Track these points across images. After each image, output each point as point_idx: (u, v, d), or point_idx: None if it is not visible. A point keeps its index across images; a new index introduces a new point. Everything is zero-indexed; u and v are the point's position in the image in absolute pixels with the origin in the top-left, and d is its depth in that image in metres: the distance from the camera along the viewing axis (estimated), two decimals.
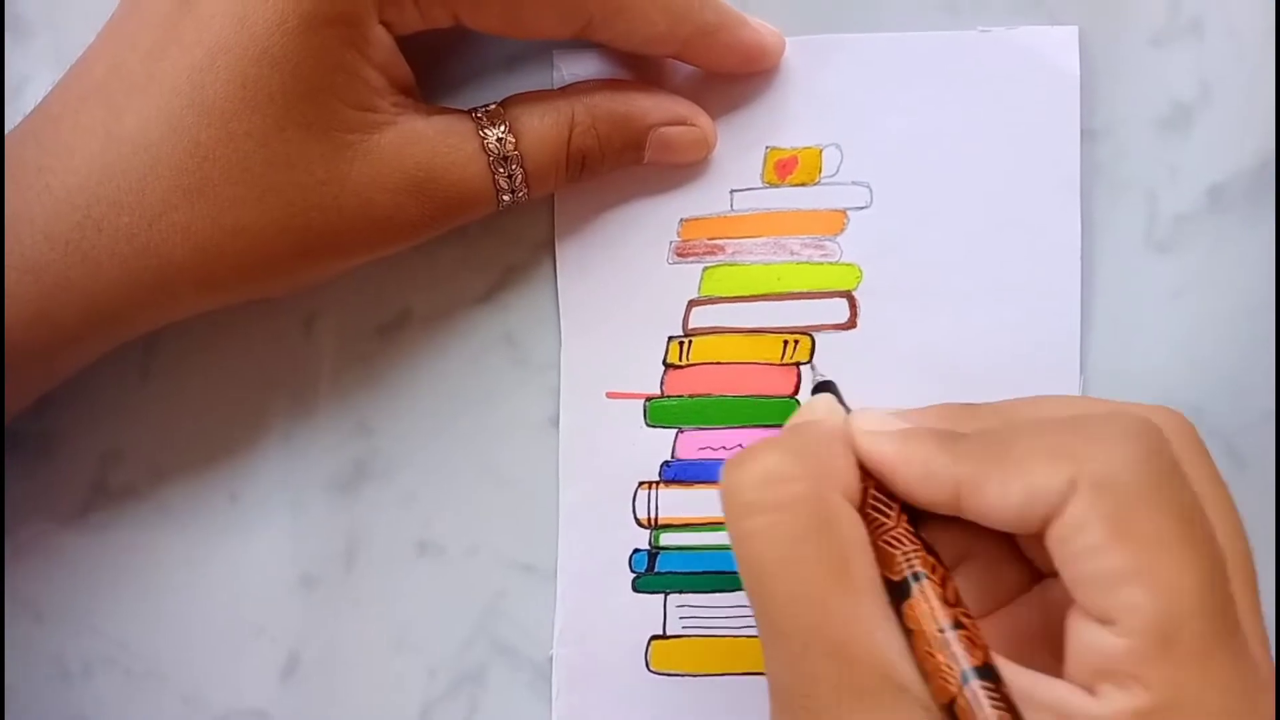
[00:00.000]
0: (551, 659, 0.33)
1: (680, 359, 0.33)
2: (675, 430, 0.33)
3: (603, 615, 0.33)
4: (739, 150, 0.33)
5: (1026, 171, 0.32)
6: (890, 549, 0.24)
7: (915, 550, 0.24)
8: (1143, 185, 0.33)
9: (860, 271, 0.33)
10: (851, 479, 0.24)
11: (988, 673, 0.22)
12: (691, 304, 0.33)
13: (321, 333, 0.34)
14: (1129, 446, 0.22)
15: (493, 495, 0.34)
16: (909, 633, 0.23)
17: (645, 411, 0.33)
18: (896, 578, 0.23)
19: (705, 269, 0.33)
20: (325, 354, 0.34)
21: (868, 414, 0.26)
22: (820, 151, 0.33)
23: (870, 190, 0.33)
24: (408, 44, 0.30)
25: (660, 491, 0.33)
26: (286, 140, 0.28)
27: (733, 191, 0.33)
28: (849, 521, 0.24)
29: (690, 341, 0.33)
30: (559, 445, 0.33)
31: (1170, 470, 0.22)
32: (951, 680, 0.22)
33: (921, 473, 0.24)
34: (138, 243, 0.28)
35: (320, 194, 0.28)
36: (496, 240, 0.33)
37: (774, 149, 0.33)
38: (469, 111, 0.31)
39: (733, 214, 0.33)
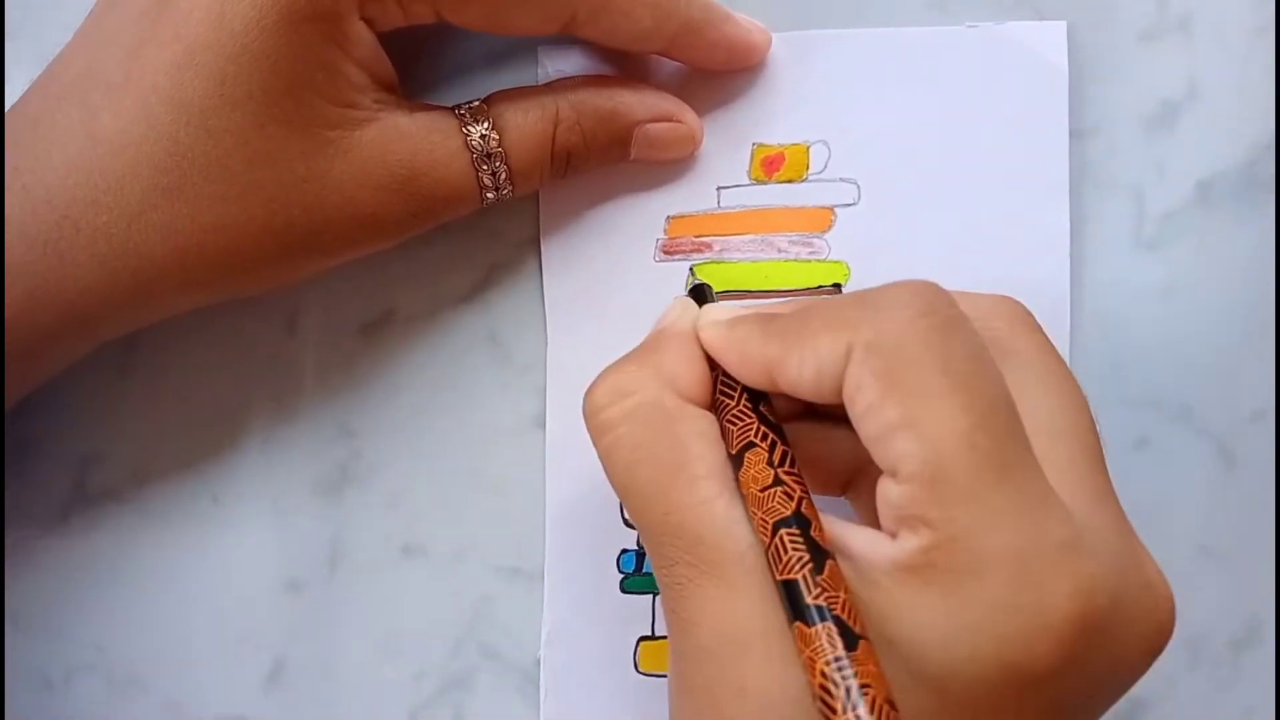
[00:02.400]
0: (539, 662, 0.33)
1: None
2: None
3: (590, 617, 0.33)
4: (726, 147, 0.33)
5: (1015, 168, 0.32)
6: (731, 426, 0.26)
7: (749, 423, 0.25)
8: (1131, 183, 0.32)
9: (848, 269, 0.33)
10: (691, 373, 0.26)
11: (798, 520, 0.23)
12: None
13: (304, 332, 0.33)
14: (898, 310, 0.24)
15: (478, 497, 0.33)
16: (745, 499, 0.25)
17: None
18: (734, 451, 0.25)
19: (692, 267, 0.33)
20: (308, 354, 0.33)
21: (711, 308, 0.28)
22: (808, 148, 0.33)
23: (858, 187, 0.33)
24: (390, 40, 0.29)
25: None
26: (267, 137, 0.27)
27: (719, 189, 0.33)
28: (687, 415, 0.26)
29: None
30: (545, 446, 0.33)
31: (938, 326, 0.23)
32: (767, 530, 0.24)
33: (740, 354, 0.26)
34: (116, 242, 0.27)
35: (302, 191, 0.28)
36: (480, 238, 0.33)
37: (761, 145, 0.33)
38: (452, 108, 0.30)
39: (719, 211, 0.33)
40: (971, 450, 0.22)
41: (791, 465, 0.25)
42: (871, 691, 0.21)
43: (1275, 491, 0.32)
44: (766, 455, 0.25)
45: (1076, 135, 0.32)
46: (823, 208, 0.33)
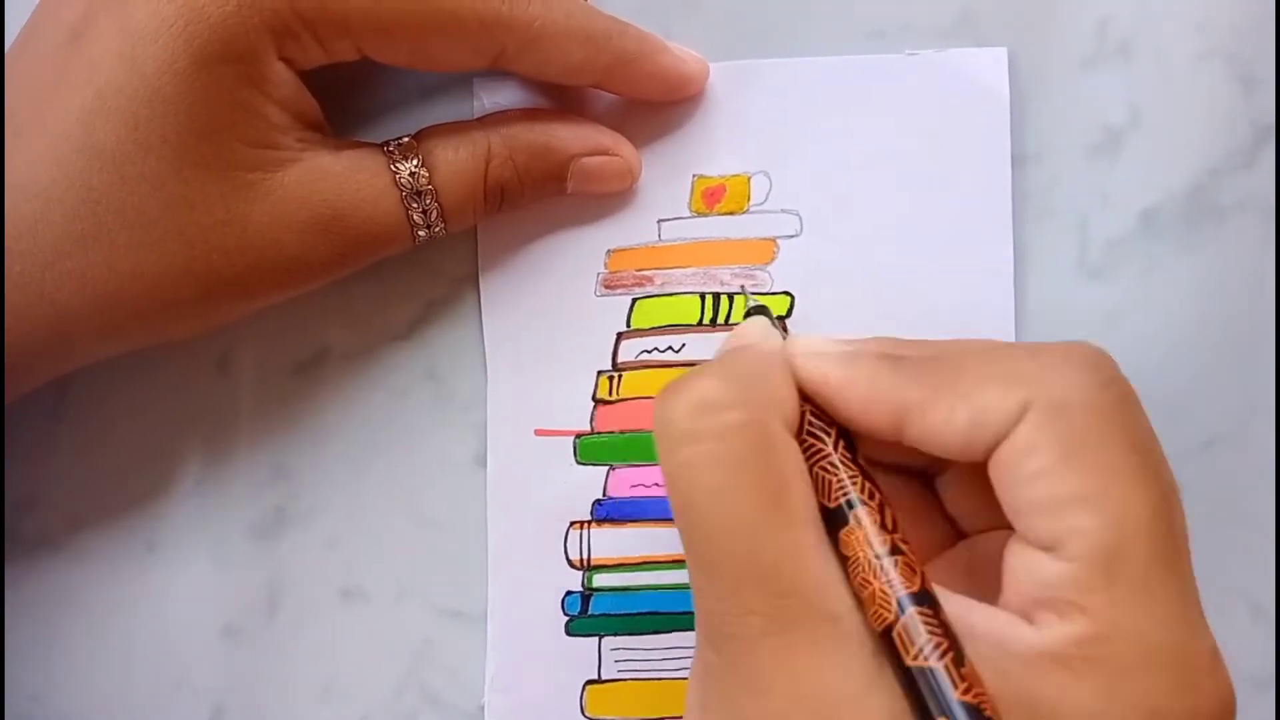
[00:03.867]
0: (483, 707, 0.32)
1: (610, 394, 0.32)
2: (607, 468, 0.32)
3: (535, 660, 0.32)
4: (665, 179, 0.32)
5: (958, 196, 0.32)
6: (827, 475, 0.23)
7: (853, 476, 0.23)
8: (1074, 210, 0.32)
9: (791, 300, 0.32)
10: (789, 404, 0.24)
11: (925, 598, 0.21)
12: (621, 337, 0.32)
13: (236, 372, 0.33)
14: (1085, 373, 0.22)
15: (418, 539, 0.33)
16: (845, 560, 0.22)
17: (575, 449, 0.32)
18: (833, 505, 0.23)
19: (634, 301, 0.32)
20: (241, 394, 0.33)
21: (806, 338, 0.25)
22: (748, 179, 0.32)
23: (800, 218, 0.32)
24: (317, 76, 0.29)
25: (592, 531, 0.32)
26: (184, 181, 0.27)
27: (660, 221, 0.32)
28: (787, 449, 0.23)
29: (620, 376, 0.32)
30: (486, 485, 0.32)
31: (1125, 399, 0.22)
32: (888, 607, 0.21)
33: (865, 395, 0.23)
34: (31, 291, 0.27)
35: (222, 235, 0.27)
36: (416, 274, 0.32)
37: (701, 177, 0.32)
38: (381, 145, 0.30)
39: (661, 244, 0.32)
40: (1151, 539, 0.21)
41: (904, 533, 0.23)
42: None
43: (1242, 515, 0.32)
44: (878, 517, 0.22)
45: (1019, 162, 0.32)
46: (765, 239, 0.32)
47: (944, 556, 0.25)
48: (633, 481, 0.32)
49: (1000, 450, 0.22)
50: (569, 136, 0.31)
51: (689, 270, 0.32)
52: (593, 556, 0.32)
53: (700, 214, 0.32)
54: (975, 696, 0.20)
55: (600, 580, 0.32)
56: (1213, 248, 0.32)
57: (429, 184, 0.29)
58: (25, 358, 0.28)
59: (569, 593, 0.32)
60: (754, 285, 0.28)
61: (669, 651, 0.32)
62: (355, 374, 0.33)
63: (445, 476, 0.33)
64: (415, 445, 0.33)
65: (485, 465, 0.32)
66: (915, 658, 0.21)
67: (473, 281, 0.33)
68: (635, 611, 0.32)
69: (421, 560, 0.33)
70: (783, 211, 0.32)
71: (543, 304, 0.32)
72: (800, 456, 0.23)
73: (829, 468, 0.23)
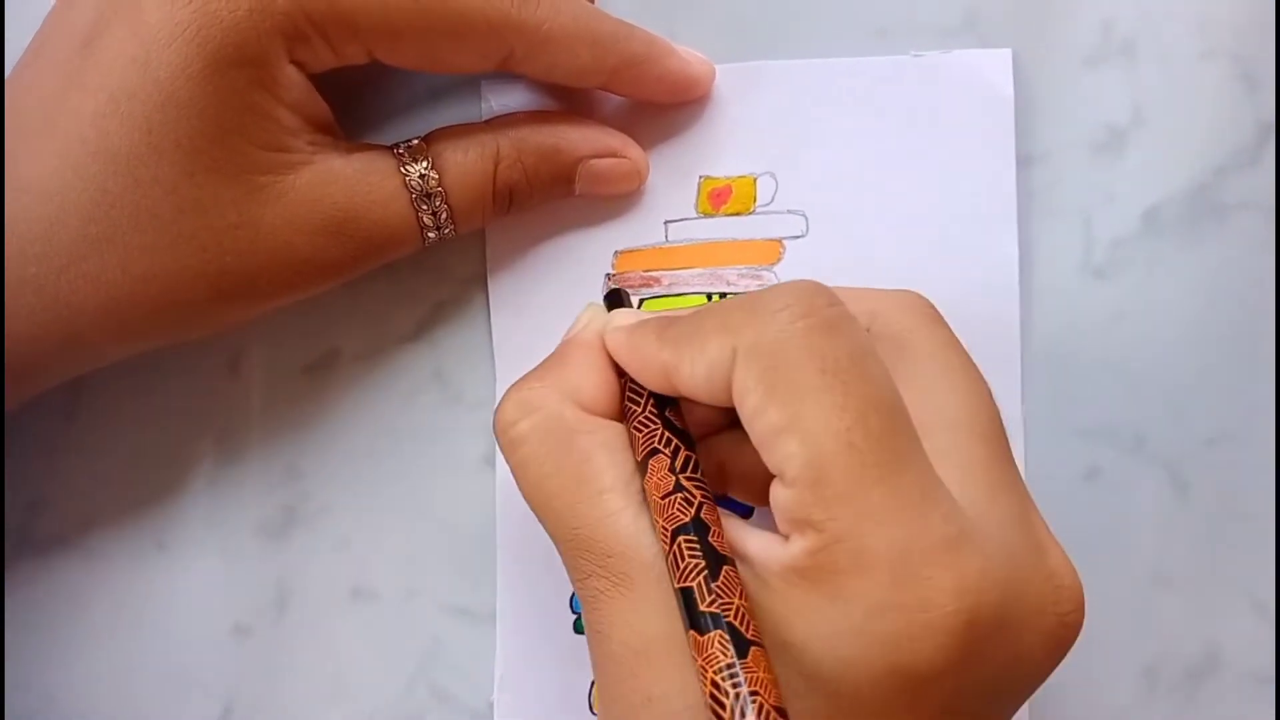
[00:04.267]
0: (492, 705, 0.32)
1: None
2: None
3: (543, 658, 0.32)
4: (672, 180, 0.33)
5: (963, 197, 0.32)
6: (636, 432, 0.26)
7: (654, 430, 0.25)
8: (1079, 210, 0.32)
9: None
10: (594, 383, 0.27)
11: (697, 526, 0.23)
12: None
13: (247, 374, 0.33)
14: (778, 312, 0.24)
15: (427, 538, 0.33)
16: (650, 506, 0.25)
17: None
18: (640, 458, 0.25)
19: (641, 301, 0.33)
20: (252, 395, 0.33)
21: (621, 313, 0.28)
22: (754, 180, 0.33)
23: (806, 219, 0.32)
24: (328, 79, 0.29)
25: None
26: (197, 185, 0.27)
27: (667, 223, 0.33)
28: (589, 427, 0.26)
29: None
30: (495, 485, 0.33)
31: (816, 327, 0.23)
32: (667, 537, 0.24)
33: (640, 359, 0.26)
34: (46, 294, 0.27)
35: (234, 238, 0.27)
36: (425, 276, 0.33)
37: (707, 178, 0.33)
38: (391, 147, 0.30)
39: (667, 245, 0.33)
40: (849, 450, 0.22)
41: (695, 470, 0.25)
42: (760, 698, 0.21)
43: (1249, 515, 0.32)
44: (669, 461, 0.25)
45: (1024, 162, 0.32)
46: (771, 240, 0.32)
47: None
48: None
49: (733, 397, 0.24)
50: (577, 138, 0.31)
51: (696, 271, 0.33)
52: None
53: (707, 215, 0.33)
54: (721, 606, 0.22)
55: None
56: (1216, 246, 0.32)
57: (439, 186, 0.30)
58: (39, 359, 0.28)
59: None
60: (610, 284, 0.31)
61: None
62: (365, 375, 0.33)
63: (454, 476, 0.33)
64: (424, 445, 0.33)
65: (493, 465, 0.33)
66: (679, 579, 0.23)
67: (481, 283, 0.33)
68: None
69: (430, 559, 0.33)
70: (789, 212, 0.32)
71: (551, 305, 0.33)
72: (607, 429, 0.26)
73: (639, 426, 0.26)
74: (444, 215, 0.30)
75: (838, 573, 0.22)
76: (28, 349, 0.27)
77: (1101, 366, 0.32)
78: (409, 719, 0.33)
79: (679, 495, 0.24)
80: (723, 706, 0.21)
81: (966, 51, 0.32)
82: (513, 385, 0.27)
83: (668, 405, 0.26)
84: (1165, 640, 0.32)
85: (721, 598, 0.22)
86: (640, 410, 0.26)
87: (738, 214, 0.33)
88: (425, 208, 0.30)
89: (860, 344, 0.24)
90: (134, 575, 0.33)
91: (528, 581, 0.32)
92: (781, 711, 0.21)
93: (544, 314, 0.33)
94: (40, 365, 0.28)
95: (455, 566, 0.33)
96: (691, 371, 0.25)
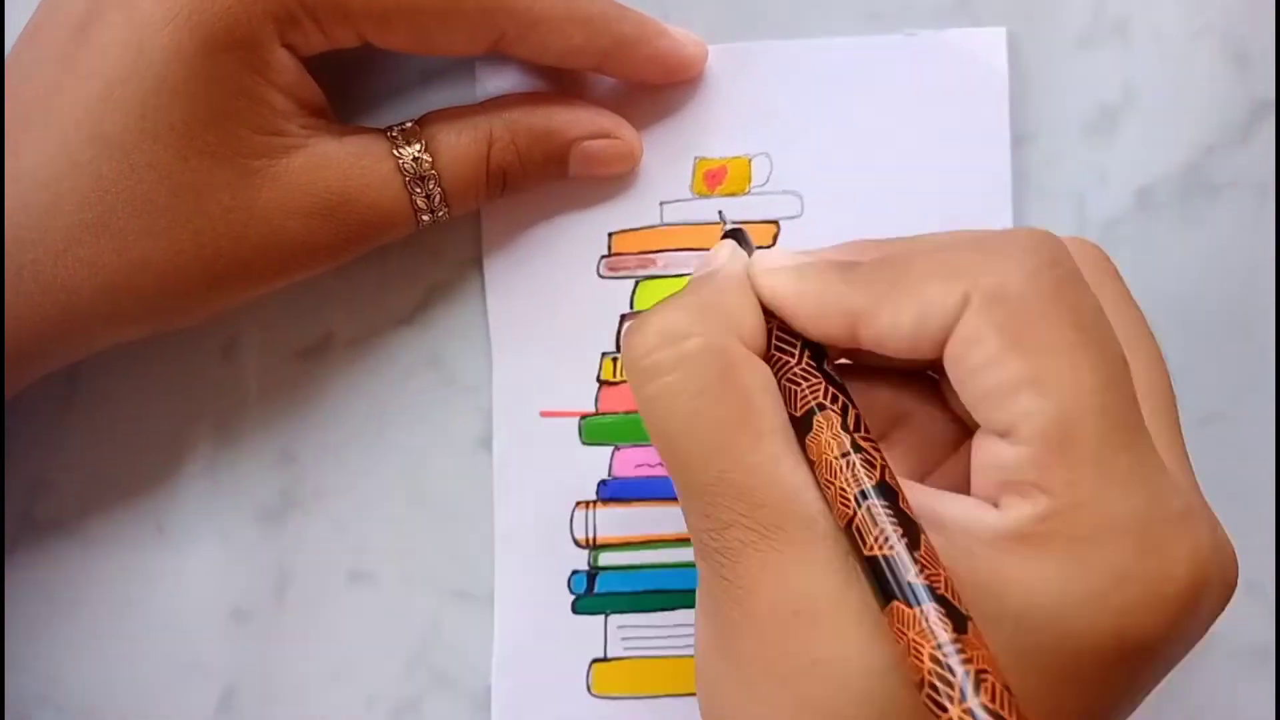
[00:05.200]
0: (490, 686, 0.33)
1: (615, 375, 0.33)
2: (611, 448, 0.33)
3: (542, 639, 0.33)
4: (667, 161, 0.33)
5: (958, 175, 0.32)
6: (793, 386, 0.24)
7: (817, 384, 0.23)
8: (1072, 189, 0.32)
9: None
10: (752, 323, 0.24)
11: (884, 490, 0.22)
12: (624, 318, 0.33)
13: (242, 358, 0.33)
14: (1023, 258, 0.22)
15: (424, 521, 0.33)
16: (813, 465, 0.23)
17: (580, 430, 0.33)
18: (799, 413, 0.23)
19: (637, 283, 0.33)
20: (247, 380, 0.33)
21: (769, 254, 0.26)
22: (749, 161, 0.33)
23: (801, 199, 0.32)
24: (321, 63, 0.29)
25: (598, 511, 0.33)
26: (191, 169, 0.27)
27: (662, 204, 0.33)
28: (749, 367, 0.24)
29: None
30: (493, 467, 0.33)
31: (1066, 278, 0.22)
32: (847, 503, 0.22)
33: (816, 305, 0.24)
34: (43, 280, 0.27)
35: (228, 222, 0.27)
36: (419, 258, 0.33)
37: (702, 159, 0.33)
38: (384, 130, 0.30)
39: (663, 226, 0.33)
40: (1101, 413, 0.21)
41: (867, 431, 0.23)
42: (990, 678, 0.20)
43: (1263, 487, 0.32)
44: (839, 419, 0.23)
45: (1017, 142, 0.32)
46: (766, 221, 0.33)
47: (953, 456, 0.26)
48: (637, 461, 0.33)
49: (949, 345, 0.22)
50: (570, 120, 0.31)
51: (692, 252, 0.33)
52: (598, 536, 0.33)
53: (702, 195, 0.33)
54: (928, 577, 0.21)
55: (606, 559, 0.33)
56: (1209, 225, 0.32)
57: (432, 169, 0.30)
58: (37, 345, 0.28)
59: (575, 572, 0.33)
60: (729, 222, 0.29)
61: (674, 629, 0.32)
62: (360, 358, 0.33)
63: (450, 459, 0.33)
64: (420, 428, 0.33)
65: (489, 448, 0.33)
66: (870, 547, 0.21)
67: (476, 265, 0.33)
68: (641, 590, 0.32)
69: (428, 542, 0.33)
70: (784, 193, 0.32)
71: (546, 287, 0.33)
72: (765, 371, 0.24)
73: (794, 379, 0.24)
74: (438, 198, 0.30)
75: (1076, 540, 0.21)
76: (25, 334, 0.28)
77: None
78: (408, 702, 0.33)
79: (858, 456, 0.22)
80: (950, 686, 0.20)
81: (961, 30, 0.32)
82: (650, 311, 0.24)
83: (823, 357, 0.24)
84: None
85: (927, 568, 0.21)
86: (794, 362, 0.24)
87: (733, 194, 0.33)
88: (419, 190, 0.30)
89: (1098, 301, 0.22)
90: (133, 560, 0.33)
91: (526, 563, 0.33)
92: (1008, 688, 0.20)
93: (539, 296, 0.33)
94: (37, 351, 0.28)
95: (452, 549, 0.33)
96: (895, 318, 0.23)
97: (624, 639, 0.32)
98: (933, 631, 0.20)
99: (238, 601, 0.33)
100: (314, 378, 0.33)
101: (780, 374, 0.24)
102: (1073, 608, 0.21)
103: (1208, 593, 0.22)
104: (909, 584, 0.21)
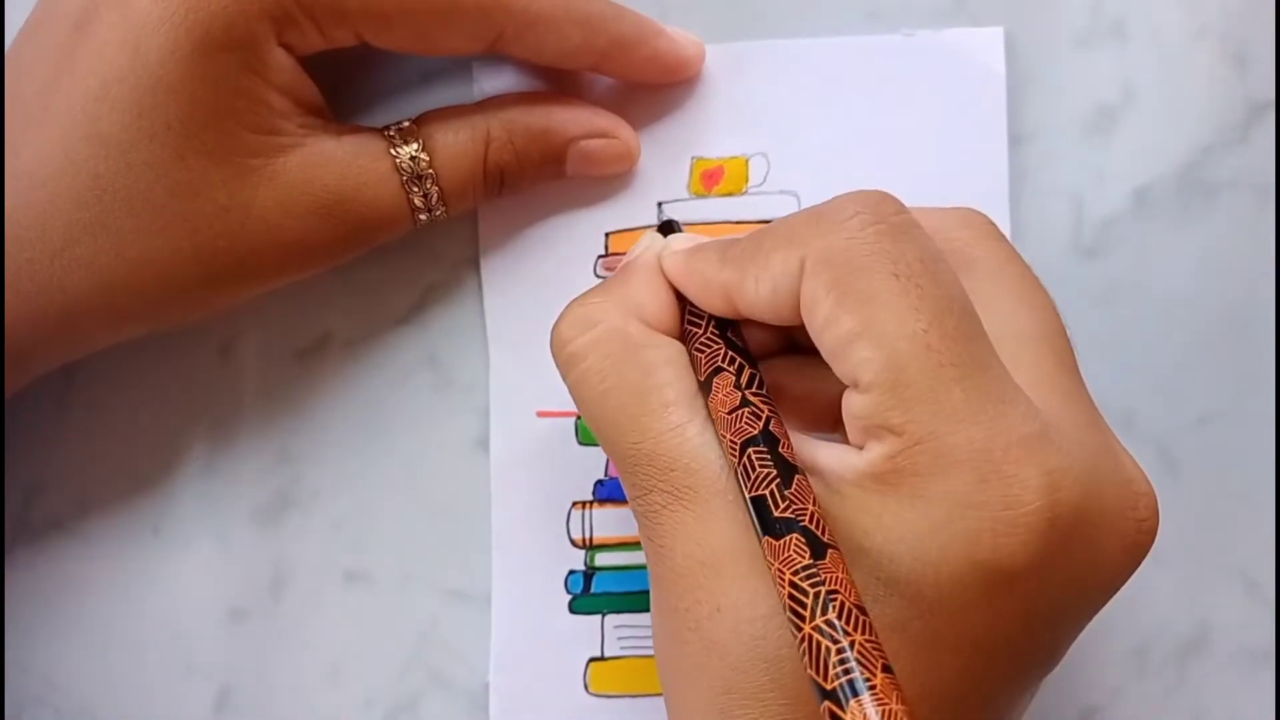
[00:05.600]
0: (488, 686, 0.33)
1: None
2: None
3: (539, 639, 0.33)
4: (664, 161, 0.33)
5: (955, 175, 0.32)
6: (698, 354, 0.26)
7: (716, 349, 0.25)
8: (1069, 189, 0.32)
9: None
10: (656, 303, 0.26)
11: (766, 439, 0.23)
12: None
13: (240, 358, 0.33)
14: (846, 219, 0.23)
15: (421, 521, 0.33)
16: (715, 424, 0.25)
17: (577, 430, 0.33)
18: (703, 378, 0.25)
19: (660, 203, 0.33)
20: (245, 380, 0.33)
21: (677, 238, 0.28)
22: (747, 161, 0.33)
23: (798, 199, 0.32)
24: (319, 62, 0.29)
25: (594, 511, 0.33)
26: (188, 168, 0.27)
27: (660, 203, 0.33)
28: (652, 344, 0.26)
29: None
30: (490, 467, 0.33)
31: (886, 232, 0.23)
32: (734, 454, 0.24)
33: (700, 281, 0.26)
34: (41, 279, 0.27)
35: (226, 221, 0.27)
36: (416, 258, 0.33)
37: (700, 159, 0.33)
38: (382, 130, 0.30)
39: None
40: (928, 351, 0.22)
41: (759, 387, 0.25)
42: (840, 597, 0.21)
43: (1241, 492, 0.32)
44: (734, 378, 0.25)
45: (1014, 142, 0.32)
46: (764, 221, 0.32)
47: None
48: None
49: (801, 310, 0.24)
50: (568, 119, 0.31)
51: None
52: (595, 536, 0.33)
53: (699, 195, 0.33)
54: (794, 512, 0.22)
55: (602, 559, 0.33)
56: (1206, 225, 0.32)
57: (429, 168, 0.30)
58: (34, 344, 0.28)
59: (572, 572, 0.33)
60: (663, 215, 0.31)
61: None
62: (357, 358, 0.33)
63: (447, 459, 0.33)
64: (417, 428, 0.33)
65: (487, 447, 0.33)
66: (750, 489, 0.23)
67: (473, 265, 0.33)
68: (637, 589, 0.32)
69: (424, 542, 0.33)
70: (781, 192, 0.32)
71: (543, 286, 0.33)
72: (670, 346, 0.26)
73: (700, 347, 0.26)
74: (435, 197, 0.30)
75: (918, 474, 0.22)
76: (22, 334, 0.28)
77: (1092, 345, 0.32)
78: (405, 701, 0.33)
79: (746, 410, 0.24)
80: (803, 606, 0.21)
81: (958, 30, 0.32)
82: (572, 302, 0.27)
83: (728, 326, 0.26)
84: (1156, 619, 0.32)
85: (795, 503, 0.22)
86: (701, 331, 0.26)
87: (730, 194, 0.33)
88: (416, 189, 0.30)
89: (930, 248, 0.23)
90: (130, 560, 0.33)
91: (523, 563, 0.33)
92: (862, 609, 0.21)
93: (537, 296, 0.33)
94: (35, 350, 0.28)
95: (449, 549, 0.33)
96: (756, 289, 0.24)
97: (620, 638, 0.32)
98: (794, 557, 0.22)
99: (234, 601, 0.33)
100: (311, 378, 0.33)
101: (690, 345, 0.26)
102: (924, 538, 0.22)
103: (1077, 520, 0.22)
104: (776, 519, 0.22)
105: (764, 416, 0.24)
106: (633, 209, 0.33)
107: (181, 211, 0.27)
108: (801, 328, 0.24)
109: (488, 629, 0.33)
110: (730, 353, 0.25)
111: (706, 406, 0.25)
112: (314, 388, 0.33)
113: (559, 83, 0.32)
